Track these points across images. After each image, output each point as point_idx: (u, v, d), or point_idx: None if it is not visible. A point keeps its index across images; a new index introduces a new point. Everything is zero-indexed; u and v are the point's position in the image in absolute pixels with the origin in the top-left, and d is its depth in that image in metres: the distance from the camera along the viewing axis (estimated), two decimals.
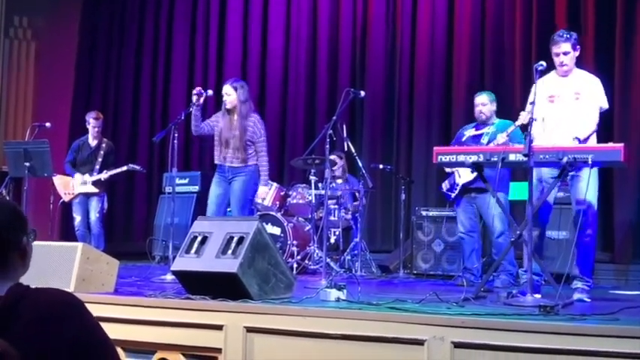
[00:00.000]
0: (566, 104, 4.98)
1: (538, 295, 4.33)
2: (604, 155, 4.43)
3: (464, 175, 6.18)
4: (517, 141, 5.84)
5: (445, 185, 6.48)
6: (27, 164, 6.83)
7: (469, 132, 6.39)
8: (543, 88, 5.01)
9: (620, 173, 7.32)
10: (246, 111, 6.24)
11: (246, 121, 6.21)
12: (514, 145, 5.62)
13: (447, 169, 6.35)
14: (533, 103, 4.59)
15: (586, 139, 4.84)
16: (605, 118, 7.35)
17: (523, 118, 5.13)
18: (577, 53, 5.03)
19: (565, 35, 4.98)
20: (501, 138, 5.74)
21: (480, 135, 6.20)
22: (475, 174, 5.87)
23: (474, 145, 6.00)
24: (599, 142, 4.94)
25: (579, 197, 4.82)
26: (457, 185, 6.29)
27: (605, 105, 5.04)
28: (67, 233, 8.64)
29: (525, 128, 4.82)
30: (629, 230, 7.43)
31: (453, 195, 6.37)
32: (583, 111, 4.95)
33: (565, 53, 4.97)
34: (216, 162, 6.37)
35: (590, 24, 7.84)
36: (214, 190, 6.29)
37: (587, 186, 4.70)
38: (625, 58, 7.62)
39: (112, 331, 3.13)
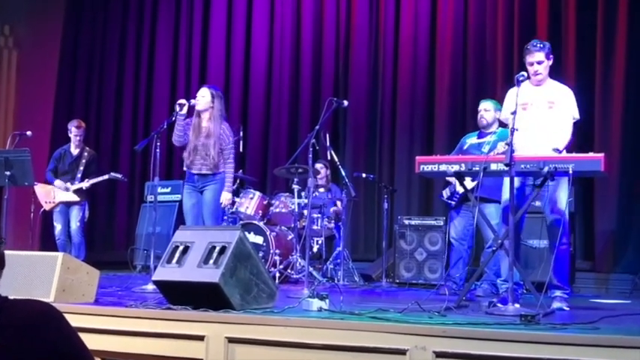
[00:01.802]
0: (539, 112, 5.03)
1: (518, 305, 4.35)
2: (585, 165, 4.46)
3: (465, 184, 6.18)
4: None
5: (446, 193, 6.48)
6: (7, 173, 6.78)
7: (471, 140, 6.40)
8: (517, 96, 5.07)
9: (601, 183, 7.39)
10: (218, 120, 6.20)
11: (217, 130, 6.17)
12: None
13: (447, 177, 6.36)
14: (514, 112, 4.61)
15: (563, 149, 4.91)
16: (585, 128, 7.47)
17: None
18: (550, 62, 5.09)
19: (539, 45, 5.04)
20: (501, 147, 5.76)
21: (482, 143, 6.21)
22: (475, 182, 5.88)
23: (476, 153, 6.01)
24: (580, 151, 4.98)
25: (555, 207, 4.86)
26: (458, 193, 6.30)
27: (577, 115, 5.10)
28: (48, 242, 8.57)
29: None
30: (610, 239, 7.50)
31: (454, 203, 6.38)
32: (556, 120, 5.01)
33: (539, 62, 5.03)
34: (184, 168, 6.32)
35: (571, 35, 7.92)
36: (187, 202, 6.24)
37: (566, 196, 4.77)
38: (605, 69, 7.70)
39: (93, 342, 3.12)
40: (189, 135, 6.21)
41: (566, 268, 5.03)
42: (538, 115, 5.03)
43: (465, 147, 6.35)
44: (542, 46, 5.04)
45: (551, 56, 5.08)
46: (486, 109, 6.33)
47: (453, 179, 6.26)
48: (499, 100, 5.85)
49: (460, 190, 6.24)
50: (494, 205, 5.98)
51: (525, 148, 4.89)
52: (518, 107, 4.83)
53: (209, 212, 6.13)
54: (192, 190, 6.23)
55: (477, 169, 4.63)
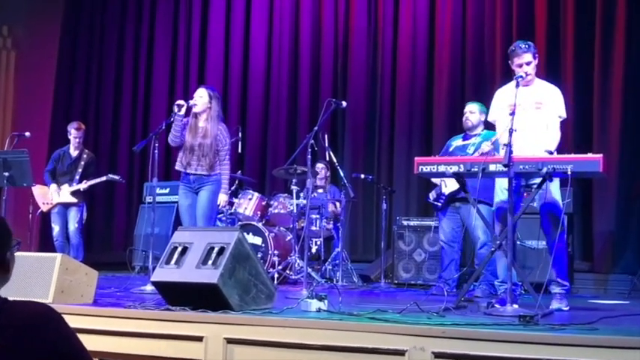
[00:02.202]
0: (526, 113, 5.02)
1: (516, 306, 4.35)
2: (583, 166, 4.46)
3: (450, 185, 6.21)
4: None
5: (432, 195, 6.51)
6: (6, 174, 6.78)
7: (456, 142, 6.43)
8: (504, 97, 5.09)
9: (600, 183, 7.39)
10: (215, 120, 6.20)
11: (214, 131, 6.16)
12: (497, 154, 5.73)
13: (433, 180, 6.39)
14: (512, 113, 4.61)
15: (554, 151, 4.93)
16: (584, 128, 7.48)
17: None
18: (536, 62, 5.11)
19: (524, 46, 5.06)
20: (486, 146, 5.79)
21: (467, 145, 6.23)
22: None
23: (461, 155, 6.03)
24: (578, 152, 4.98)
25: (546, 200, 4.86)
26: (444, 195, 6.32)
27: (564, 114, 5.11)
28: (46, 243, 8.57)
29: None
30: (609, 240, 7.50)
31: (440, 205, 6.40)
32: (544, 121, 5.02)
33: (527, 63, 5.04)
34: (178, 168, 6.28)
35: (569, 35, 7.92)
36: (183, 202, 6.21)
37: (558, 191, 4.82)
38: (604, 70, 7.69)
39: (91, 343, 3.11)
40: (186, 135, 6.20)
41: (564, 262, 5.04)
42: (525, 117, 5.02)
43: (451, 149, 6.39)
44: (527, 46, 5.06)
45: (536, 56, 5.10)
46: (472, 112, 6.37)
47: (438, 181, 6.30)
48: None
49: (446, 191, 6.27)
50: (480, 205, 6.03)
51: (514, 148, 4.90)
52: (506, 109, 4.84)
53: (202, 213, 6.10)
54: (187, 190, 6.22)
55: (476, 169, 4.63)
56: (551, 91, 5.13)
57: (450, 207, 6.35)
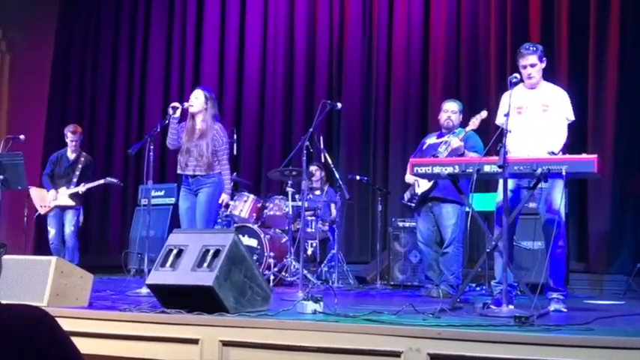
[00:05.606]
0: (533, 115, 5.05)
1: (512, 306, 4.35)
2: (578, 166, 4.47)
3: (422, 185, 6.22)
4: (473, 147, 5.92)
5: (406, 196, 6.51)
6: (0, 177, 6.76)
7: (430, 140, 6.45)
8: (512, 99, 5.09)
9: (595, 184, 7.40)
10: (211, 121, 6.20)
11: (210, 131, 6.16)
12: (468, 151, 5.77)
13: (407, 180, 6.39)
14: (507, 114, 4.62)
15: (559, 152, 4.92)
16: (579, 129, 7.48)
17: (473, 123, 5.62)
18: (543, 65, 5.11)
19: (531, 48, 5.06)
20: (455, 142, 5.83)
21: (439, 143, 6.22)
22: (431, 183, 5.99)
23: (433, 152, 6.04)
24: (573, 153, 4.99)
25: (551, 207, 4.87)
26: (417, 195, 6.31)
27: (572, 117, 5.11)
28: (42, 247, 8.55)
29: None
30: (604, 240, 7.51)
31: (413, 205, 6.40)
32: (551, 123, 5.02)
33: (532, 65, 5.05)
34: (178, 171, 6.29)
35: (563, 35, 7.94)
36: (182, 205, 6.20)
37: (561, 197, 4.78)
38: (598, 69, 7.71)
39: (86, 346, 3.11)
40: (183, 137, 6.20)
41: (562, 271, 5.04)
42: (533, 119, 5.05)
43: (425, 147, 6.40)
44: (534, 49, 5.06)
45: (544, 59, 5.10)
46: (454, 111, 6.35)
47: (412, 180, 6.28)
48: (497, 104, 5.84)
49: (419, 191, 6.27)
50: (450, 205, 6.06)
51: (520, 151, 4.91)
52: (513, 111, 4.85)
53: (200, 214, 6.09)
54: (187, 192, 6.21)
55: (471, 170, 4.64)
56: (557, 94, 5.14)
57: (423, 207, 6.34)
